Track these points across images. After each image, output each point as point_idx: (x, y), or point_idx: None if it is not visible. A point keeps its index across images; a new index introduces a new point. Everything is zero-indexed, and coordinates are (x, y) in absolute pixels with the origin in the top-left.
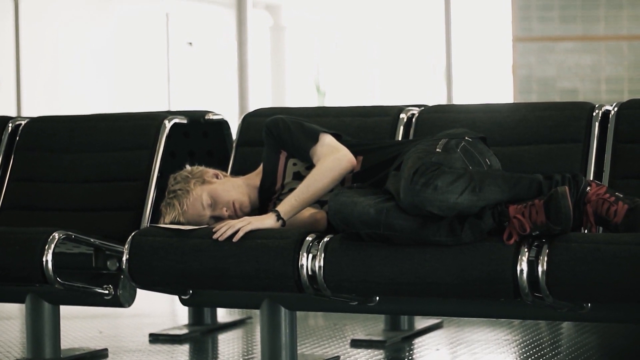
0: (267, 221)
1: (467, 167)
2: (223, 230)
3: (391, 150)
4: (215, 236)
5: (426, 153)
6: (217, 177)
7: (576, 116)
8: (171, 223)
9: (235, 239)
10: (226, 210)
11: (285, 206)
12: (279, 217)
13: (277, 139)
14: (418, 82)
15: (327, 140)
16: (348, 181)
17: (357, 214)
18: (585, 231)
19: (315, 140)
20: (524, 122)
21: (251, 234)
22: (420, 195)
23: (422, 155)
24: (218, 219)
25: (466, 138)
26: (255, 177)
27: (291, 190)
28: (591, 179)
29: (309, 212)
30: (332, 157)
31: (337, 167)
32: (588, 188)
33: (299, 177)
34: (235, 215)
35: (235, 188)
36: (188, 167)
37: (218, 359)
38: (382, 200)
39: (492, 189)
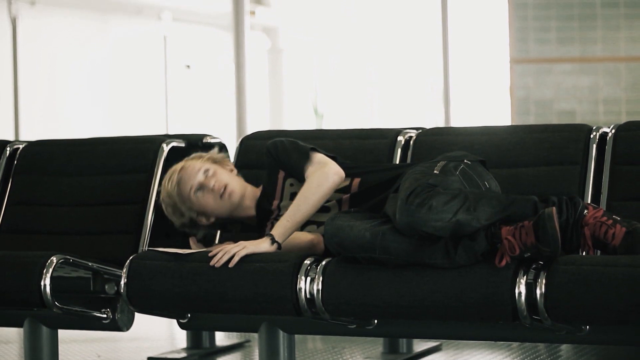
0: (262, 245)
1: (463, 188)
2: (219, 256)
3: (389, 172)
4: (212, 262)
5: (423, 175)
6: (232, 170)
7: (574, 138)
8: (169, 178)
9: (231, 265)
10: (214, 185)
11: (278, 229)
12: (273, 240)
13: (276, 160)
14: (416, 104)
15: (317, 158)
16: (345, 205)
17: (352, 237)
18: (584, 253)
19: (307, 159)
20: (521, 144)
21: (249, 258)
22: (415, 216)
23: (419, 176)
24: (202, 189)
25: (465, 161)
26: (257, 190)
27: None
28: (589, 201)
29: (306, 237)
30: (319, 172)
31: (324, 182)
32: (585, 211)
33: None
34: (219, 198)
35: (238, 182)
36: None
37: None
38: (378, 224)
39: (486, 209)
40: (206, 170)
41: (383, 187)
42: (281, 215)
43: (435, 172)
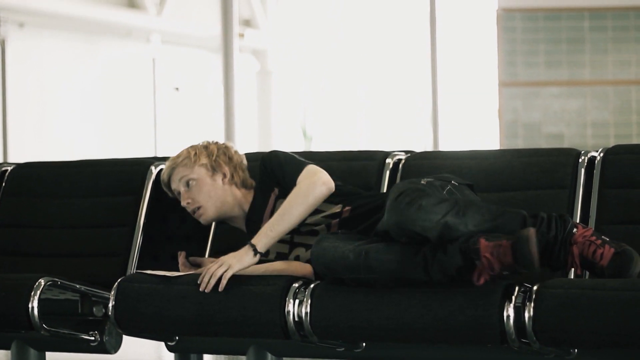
0: (245, 259)
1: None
2: (206, 281)
3: (380, 197)
4: (201, 288)
5: (411, 182)
6: (224, 177)
7: (562, 162)
8: (169, 163)
9: (220, 289)
10: (188, 204)
11: (262, 239)
12: (255, 251)
13: (270, 173)
14: (405, 127)
15: (309, 168)
16: (334, 229)
17: (337, 258)
18: (572, 272)
19: (299, 170)
20: (510, 168)
21: (237, 280)
22: (404, 214)
23: (407, 183)
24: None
25: (452, 182)
26: (249, 195)
27: None
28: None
29: (294, 266)
30: (307, 182)
31: (310, 192)
32: (575, 229)
33: None
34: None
35: (220, 201)
36: (230, 145)
37: None
38: (362, 244)
39: (475, 216)
40: (189, 182)
41: (373, 212)
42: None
43: (422, 182)
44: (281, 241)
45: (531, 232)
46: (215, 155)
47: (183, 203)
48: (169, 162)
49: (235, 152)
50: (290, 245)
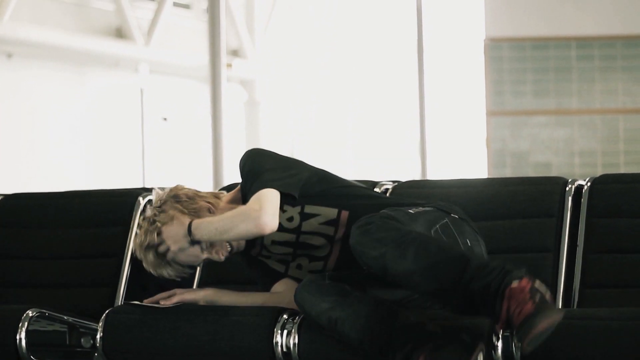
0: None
1: (420, 231)
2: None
3: (382, 198)
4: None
5: (393, 210)
6: (209, 211)
7: (549, 191)
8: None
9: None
10: (220, 253)
11: (201, 224)
12: (190, 230)
13: (243, 176)
14: (393, 156)
15: (262, 195)
16: (337, 248)
17: (314, 315)
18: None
19: (258, 188)
20: (497, 196)
21: (226, 311)
22: (357, 238)
23: (387, 210)
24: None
25: (452, 215)
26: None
27: (277, 244)
28: (565, 254)
29: (254, 299)
30: (247, 212)
31: (241, 224)
32: (517, 282)
33: (281, 229)
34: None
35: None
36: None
37: None
38: (337, 306)
39: (420, 252)
40: (193, 242)
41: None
42: (265, 251)
43: (410, 211)
44: (286, 245)
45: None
46: (182, 203)
47: (219, 257)
48: (154, 256)
49: (180, 188)
50: (293, 255)
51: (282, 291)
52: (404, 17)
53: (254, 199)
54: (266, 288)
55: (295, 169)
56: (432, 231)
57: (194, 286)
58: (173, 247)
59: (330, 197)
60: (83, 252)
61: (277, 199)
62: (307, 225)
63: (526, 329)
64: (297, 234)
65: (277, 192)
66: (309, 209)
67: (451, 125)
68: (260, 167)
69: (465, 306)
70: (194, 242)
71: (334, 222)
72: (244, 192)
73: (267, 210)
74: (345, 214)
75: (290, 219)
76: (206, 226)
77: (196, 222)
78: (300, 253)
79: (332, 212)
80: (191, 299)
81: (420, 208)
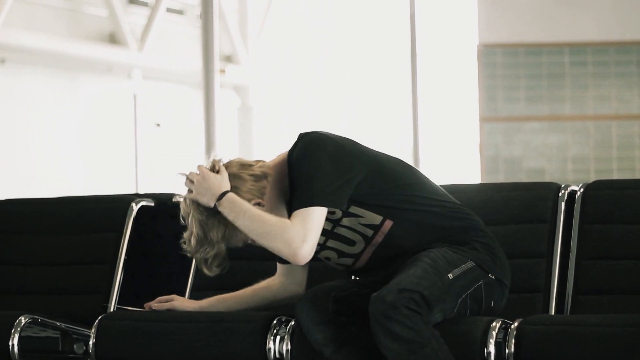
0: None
1: (431, 339)
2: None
3: (424, 234)
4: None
5: (435, 271)
6: (259, 205)
7: (542, 196)
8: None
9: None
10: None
11: (235, 199)
12: (221, 197)
13: (295, 155)
14: None
15: (311, 217)
16: (371, 249)
17: (307, 337)
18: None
19: (305, 205)
20: (490, 202)
21: (219, 317)
22: (376, 314)
23: (428, 273)
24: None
25: (490, 275)
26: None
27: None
28: (558, 260)
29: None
30: (290, 236)
31: (280, 244)
32: None
33: None
34: None
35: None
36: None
37: None
38: (329, 343)
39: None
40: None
41: (403, 254)
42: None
43: (449, 275)
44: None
45: None
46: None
47: (232, 245)
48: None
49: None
50: (322, 246)
51: (270, 284)
52: (397, 23)
53: (300, 219)
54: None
55: (350, 172)
56: (460, 300)
57: (186, 293)
58: (196, 196)
59: (378, 202)
60: (76, 258)
61: (322, 220)
62: (348, 221)
63: None
64: (335, 224)
65: (325, 210)
66: (354, 209)
67: (444, 131)
68: (315, 168)
69: None
70: (215, 211)
71: (374, 227)
72: (290, 177)
73: (309, 242)
74: (388, 223)
75: (332, 212)
76: (239, 208)
77: (233, 196)
78: (330, 245)
79: (376, 218)
80: (182, 308)
81: (463, 266)
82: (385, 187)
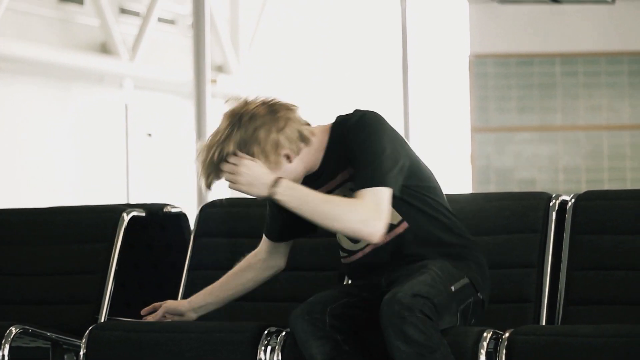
0: (260, 185)
1: (440, 346)
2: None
3: (433, 244)
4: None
5: (442, 280)
6: (287, 158)
7: (533, 206)
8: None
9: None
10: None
11: (294, 185)
12: (275, 185)
13: (347, 144)
14: None
15: (383, 199)
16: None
17: (302, 350)
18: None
19: (376, 184)
20: (481, 212)
21: (209, 328)
22: (388, 315)
23: (436, 282)
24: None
25: (479, 295)
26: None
27: None
28: (549, 271)
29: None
30: (368, 214)
31: (357, 225)
32: None
33: None
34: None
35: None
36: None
37: None
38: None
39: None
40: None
41: (410, 258)
42: None
43: (452, 288)
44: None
45: None
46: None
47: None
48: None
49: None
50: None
51: (252, 263)
52: (389, 34)
53: (372, 198)
54: (269, 232)
55: (402, 159)
56: (459, 313)
57: (179, 297)
58: (247, 189)
59: (405, 198)
60: (67, 268)
61: (390, 201)
62: None
63: None
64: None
65: (391, 192)
66: None
67: (435, 141)
68: (380, 148)
69: None
70: (268, 199)
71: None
72: (351, 157)
73: (384, 220)
74: (404, 225)
75: None
76: (300, 193)
77: (288, 181)
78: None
79: (395, 217)
80: (174, 307)
81: (462, 281)
82: (418, 184)
